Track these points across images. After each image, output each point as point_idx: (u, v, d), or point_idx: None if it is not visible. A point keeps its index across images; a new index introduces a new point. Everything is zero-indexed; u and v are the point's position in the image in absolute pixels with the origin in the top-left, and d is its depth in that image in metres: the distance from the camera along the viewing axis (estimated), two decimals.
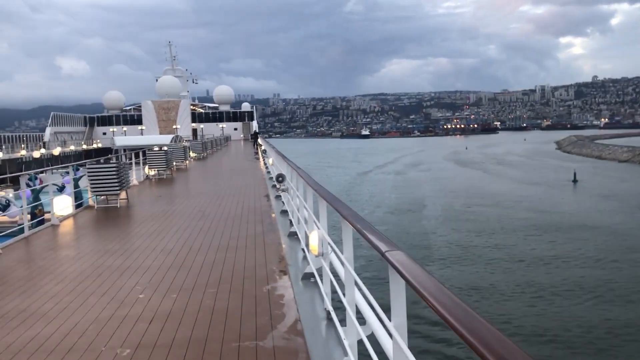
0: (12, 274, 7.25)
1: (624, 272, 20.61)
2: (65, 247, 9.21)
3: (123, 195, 14.30)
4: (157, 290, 6.15)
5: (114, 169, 13.10)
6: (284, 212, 11.18)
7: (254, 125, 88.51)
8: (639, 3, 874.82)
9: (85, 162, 18.07)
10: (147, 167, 21.65)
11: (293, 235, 8.85)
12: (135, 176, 19.70)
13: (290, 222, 9.79)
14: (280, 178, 10.05)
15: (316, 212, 5.90)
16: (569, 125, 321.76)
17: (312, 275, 6.25)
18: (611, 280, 19.54)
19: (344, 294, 4.17)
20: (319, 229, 5.09)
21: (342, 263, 4.12)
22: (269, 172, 21.45)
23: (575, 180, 50.07)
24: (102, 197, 13.76)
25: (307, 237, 7.48)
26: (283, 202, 11.78)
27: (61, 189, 17.96)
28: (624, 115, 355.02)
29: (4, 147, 59.80)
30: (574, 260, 22.35)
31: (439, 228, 30.25)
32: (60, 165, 19.48)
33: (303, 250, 7.53)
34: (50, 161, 58.63)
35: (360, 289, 3.59)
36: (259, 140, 44.10)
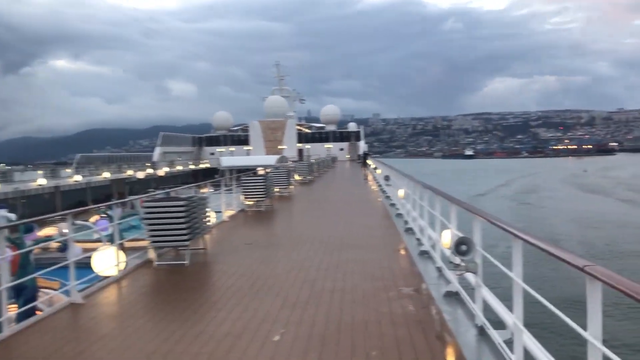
0: None
1: None
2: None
3: (200, 243, 10.20)
4: None
5: (182, 210, 8.85)
6: (451, 296, 6.47)
7: (362, 146, 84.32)
8: None
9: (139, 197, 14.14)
10: (241, 196, 17.75)
11: None
12: (225, 208, 15.74)
13: (481, 331, 5.13)
14: (464, 247, 5.29)
15: None
16: None
17: None
18: None
19: None
20: None
21: None
22: (392, 205, 16.77)
23: None
24: (164, 250, 9.63)
25: None
26: (446, 278, 7.02)
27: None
28: None
29: (112, 166, 60.74)
30: None
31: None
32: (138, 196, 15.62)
33: None
34: (156, 182, 57.71)
35: None
36: (369, 162, 39.81)
